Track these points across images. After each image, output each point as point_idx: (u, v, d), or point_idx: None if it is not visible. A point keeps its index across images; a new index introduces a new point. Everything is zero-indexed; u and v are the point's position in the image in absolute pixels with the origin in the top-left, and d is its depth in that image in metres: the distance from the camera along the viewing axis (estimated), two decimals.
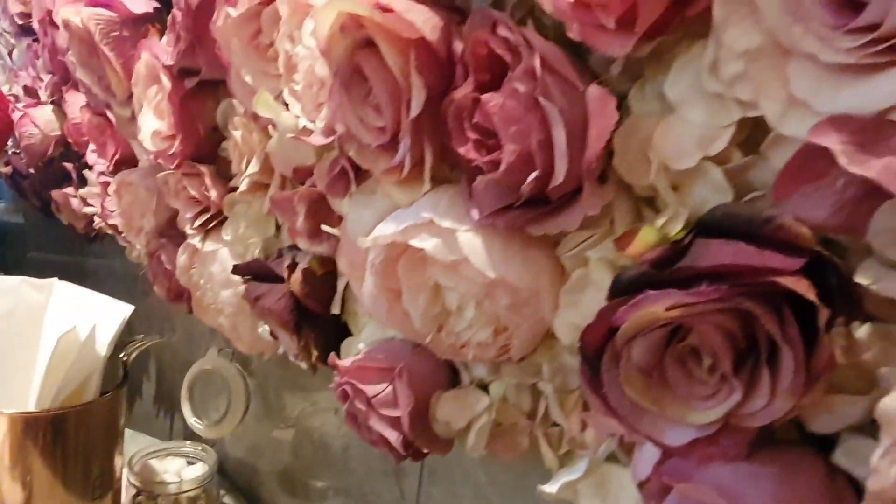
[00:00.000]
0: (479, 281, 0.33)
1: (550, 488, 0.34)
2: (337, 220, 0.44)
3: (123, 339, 0.56)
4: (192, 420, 0.79)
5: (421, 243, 0.33)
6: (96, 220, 0.82)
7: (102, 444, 0.57)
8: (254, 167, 0.51)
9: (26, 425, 0.51)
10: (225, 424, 0.77)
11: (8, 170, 1.05)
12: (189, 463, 0.69)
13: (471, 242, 0.32)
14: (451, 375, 0.41)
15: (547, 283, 0.33)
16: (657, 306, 0.24)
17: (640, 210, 0.32)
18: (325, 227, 0.43)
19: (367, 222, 0.39)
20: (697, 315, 0.24)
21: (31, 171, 0.97)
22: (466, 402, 0.39)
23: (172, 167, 0.57)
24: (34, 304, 0.53)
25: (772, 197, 0.25)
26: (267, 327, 0.57)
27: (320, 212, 0.44)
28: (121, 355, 0.56)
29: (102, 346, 0.53)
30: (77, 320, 0.52)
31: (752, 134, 0.28)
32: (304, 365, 0.55)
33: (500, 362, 0.38)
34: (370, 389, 0.40)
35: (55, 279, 0.55)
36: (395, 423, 0.39)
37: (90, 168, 0.82)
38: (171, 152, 0.56)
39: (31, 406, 0.51)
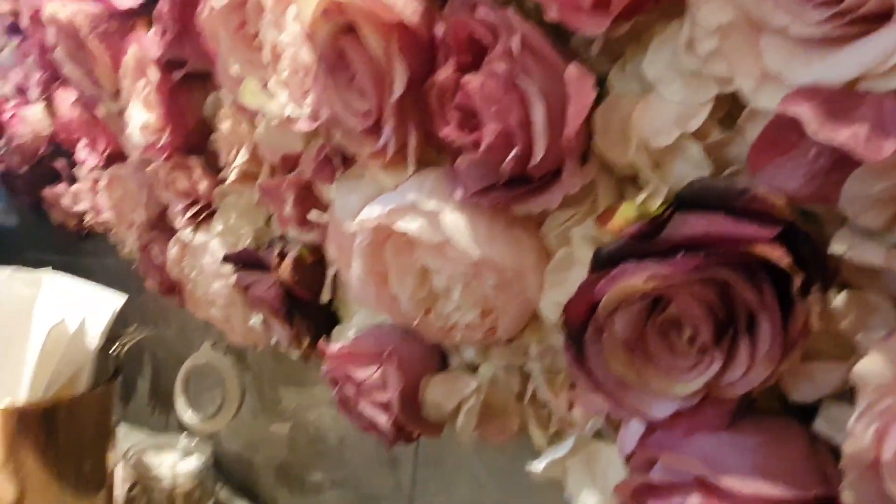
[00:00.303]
0: (464, 262, 0.34)
1: (538, 466, 0.34)
2: (325, 207, 0.44)
3: (116, 331, 0.56)
4: (186, 414, 0.79)
5: (406, 225, 0.34)
6: (87, 216, 0.82)
7: (94, 438, 0.57)
8: (242, 157, 0.51)
9: (17, 418, 0.51)
10: (219, 418, 0.78)
11: (0, 168, 1.05)
12: (184, 457, 0.70)
13: (455, 223, 0.33)
14: (439, 359, 0.42)
15: (532, 262, 0.34)
16: (636, 278, 0.25)
17: (623, 189, 0.32)
18: (312, 215, 0.43)
19: (354, 207, 0.39)
20: (675, 286, 0.25)
21: (23, 170, 0.97)
22: (455, 384, 0.40)
23: (162, 160, 0.58)
24: (24, 297, 0.53)
25: (747, 169, 0.26)
26: (259, 318, 0.57)
27: (308, 199, 0.44)
28: (112, 348, 0.56)
29: (93, 339, 0.53)
30: (67, 312, 0.52)
31: (731, 110, 0.28)
32: (295, 354, 0.55)
33: (489, 345, 0.39)
34: (359, 374, 0.40)
35: (46, 270, 0.55)
36: (384, 406, 0.40)
37: (80, 165, 0.82)
38: (160, 145, 0.56)
39: (21, 399, 0.51)
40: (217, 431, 0.77)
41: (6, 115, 0.94)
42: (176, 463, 0.68)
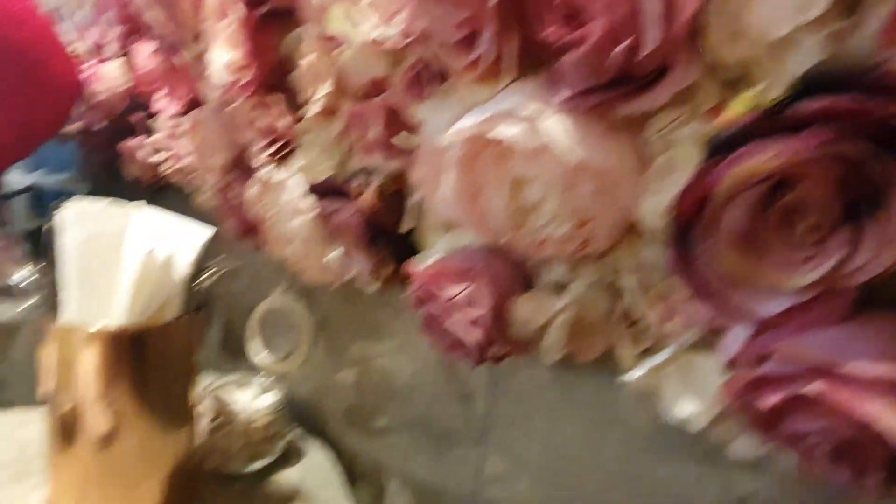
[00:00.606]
0: (561, 168, 0.33)
1: (633, 375, 0.34)
2: (412, 130, 0.44)
3: (202, 265, 0.58)
4: (259, 356, 0.81)
5: (503, 132, 0.34)
6: (164, 166, 0.85)
7: (181, 368, 0.59)
8: (325, 89, 0.52)
9: (111, 342, 0.53)
10: (291, 361, 0.80)
11: (79, 127, 1.09)
12: (261, 394, 0.72)
13: (553, 127, 0.32)
14: (526, 279, 0.42)
15: (631, 168, 0.33)
16: (758, 158, 0.24)
17: (729, 89, 0.31)
18: (399, 138, 0.44)
19: (445, 125, 0.40)
20: (802, 164, 0.24)
21: (101, 126, 1.00)
22: (544, 302, 0.40)
23: (243, 99, 0.59)
24: (117, 228, 0.55)
25: (878, 46, 0.25)
26: (336, 253, 0.58)
27: (396, 123, 0.44)
28: (198, 280, 0.58)
29: (183, 268, 0.55)
30: (158, 243, 0.54)
31: None
32: (373, 287, 0.56)
33: (579, 260, 0.38)
34: (448, 292, 0.41)
35: (139, 203, 0.57)
36: (473, 323, 0.40)
37: (157, 117, 0.85)
38: (243, 83, 0.58)
39: (114, 325, 0.53)
40: (288, 374, 0.79)
41: (85, 73, 0.98)
42: (253, 399, 0.71)
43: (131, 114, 0.94)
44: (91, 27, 1.03)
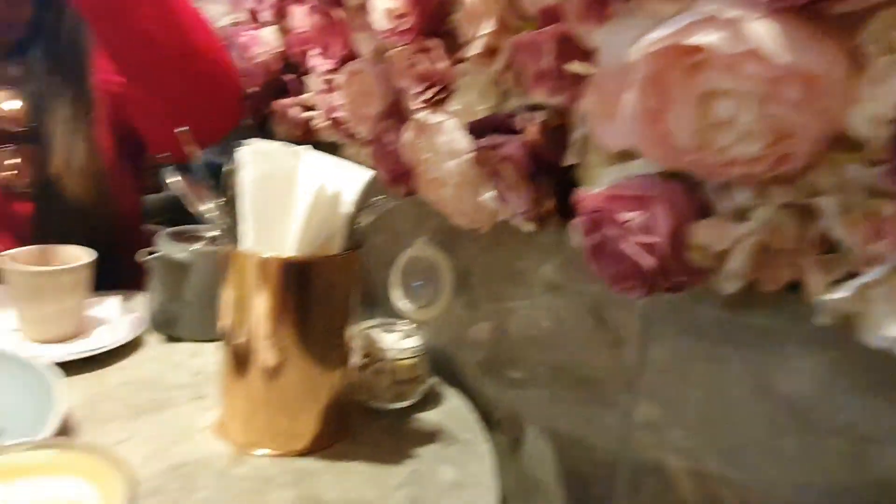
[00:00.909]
0: (764, 76, 0.32)
1: (836, 295, 0.33)
2: (585, 58, 0.44)
3: (363, 204, 0.60)
4: (401, 302, 0.85)
5: (702, 39, 0.33)
6: (315, 121, 0.90)
7: (342, 304, 0.62)
8: (487, 28, 0.52)
9: (281, 271, 0.57)
10: (432, 309, 0.82)
11: None
12: (406, 337, 0.75)
13: (761, 29, 0.31)
14: (705, 206, 0.41)
15: (843, 73, 0.31)
16: None
17: None
18: (573, 65, 0.44)
19: (625, 47, 0.39)
20: None
21: (256, 89, 1.07)
22: (726, 227, 0.38)
23: (404, 44, 0.61)
24: (288, 166, 0.59)
25: None
26: (490, 194, 0.59)
27: (567, 51, 0.44)
28: (358, 219, 0.61)
29: (347, 205, 0.58)
30: (326, 180, 0.57)
31: None
32: (528, 227, 0.57)
33: (769, 182, 0.37)
34: (624, 215, 0.40)
35: (305, 147, 0.60)
36: (650, 249, 0.40)
37: (310, 74, 0.89)
38: (402, 29, 0.60)
39: (287, 253, 0.57)
40: (427, 322, 0.82)
41: (241, 39, 1.05)
42: (399, 340, 0.74)
43: (284, 75, 1.00)
44: None
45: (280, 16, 0.97)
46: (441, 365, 0.84)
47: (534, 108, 0.52)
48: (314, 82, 0.89)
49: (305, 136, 0.97)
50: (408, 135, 0.65)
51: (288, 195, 0.59)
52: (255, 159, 0.59)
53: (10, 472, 0.36)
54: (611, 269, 0.43)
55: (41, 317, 0.74)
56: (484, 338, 0.80)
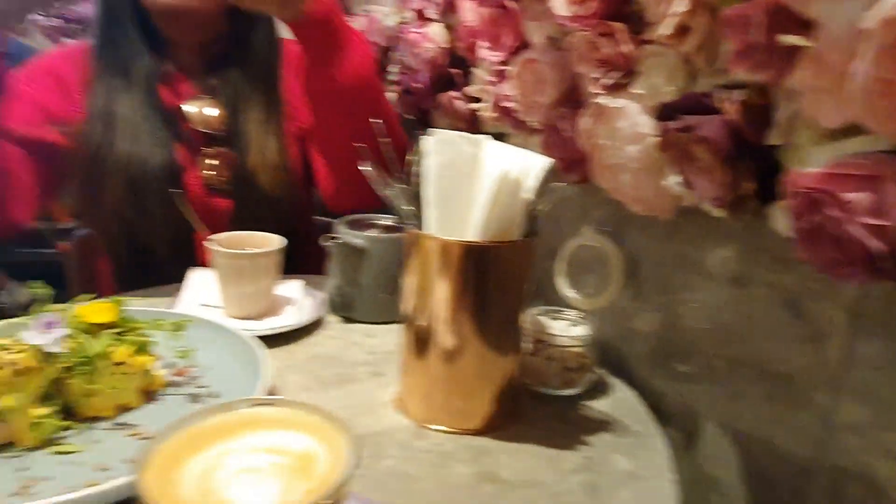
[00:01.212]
0: None
1: None
2: (798, 32, 0.41)
3: (541, 191, 0.61)
4: (567, 291, 0.84)
5: None
6: (482, 110, 0.92)
7: (517, 290, 0.64)
8: (681, 6, 0.51)
9: (463, 253, 0.59)
10: (600, 298, 0.82)
11: (398, 89, 1.23)
12: (574, 325, 0.75)
13: None
14: None
15: None
16: None
17: None
18: (787, 38, 0.41)
19: (853, 14, 0.36)
20: None
21: (419, 85, 1.12)
22: None
23: (587, 29, 0.60)
24: (470, 154, 0.61)
25: None
26: (676, 179, 0.57)
27: (779, 24, 0.42)
28: (536, 206, 0.62)
29: (527, 192, 0.59)
30: (509, 168, 0.59)
31: None
32: (719, 212, 0.55)
33: None
34: (848, 196, 0.37)
35: (485, 136, 0.62)
36: (879, 232, 0.37)
37: (479, 66, 0.91)
38: (586, 14, 0.59)
39: (467, 236, 0.59)
40: (594, 312, 0.81)
41: (409, 36, 1.09)
42: (567, 328, 0.74)
43: (450, 69, 1.03)
44: None
45: (448, 12, 1.00)
46: (607, 355, 0.83)
47: (730, 87, 0.50)
48: (481, 74, 0.91)
49: (470, 127, 1.00)
50: (585, 121, 0.64)
51: (470, 182, 0.60)
52: (438, 148, 0.62)
53: (242, 424, 0.41)
54: (826, 254, 0.40)
55: (241, 295, 0.82)
56: (653, 329, 0.78)
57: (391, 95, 1.26)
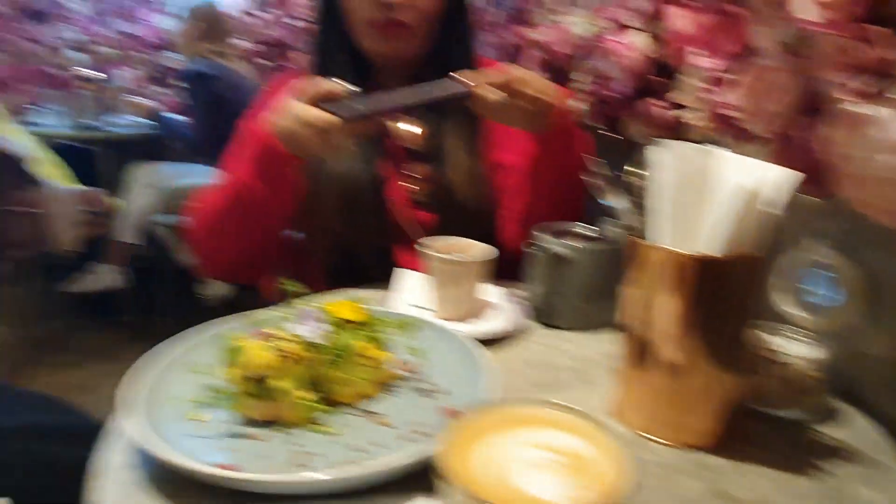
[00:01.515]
0: None
1: None
2: None
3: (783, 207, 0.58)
4: (792, 308, 0.80)
5: None
6: (689, 116, 0.90)
7: (747, 307, 0.61)
8: None
9: (698, 266, 0.58)
10: (831, 318, 0.76)
11: (588, 98, 1.24)
12: (806, 345, 0.71)
13: None
14: None
15: None
16: None
17: None
18: None
19: None
20: None
21: (616, 94, 1.11)
22: None
23: (842, 34, 0.57)
24: (704, 165, 0.60)
25: None
26: None
27: None
28: (776, 220, 0.59)
29: (772, 206, 0.57)
30: (748, 180, 0.57)
31: None
32: None
33: None
34: None
35: (710, 146, 0.61)
36: None
37: (688, 73, 0.89)
38: (842, 18, 0.56)
39: (701, 250, 0.58)
40: (822, 333, 0.76)
41: (608, 45, 1.09)
42: (790, 346, 0.70)
43: (651, 76, 1.02)
44: (606, 6, 1.15)
45: (653, 19, 0.99)
46: (837, 380, 0.77)
47: None
48: (691, 82, 0.88)
49: (672, 135, 0.98)
50: (831, 130, 0.61)
51: (706, 194, 0.60)
52: (670, 159, 0.61)
53: (516, 421, 0.44)
54: None
55: (454, 298, 0.87)
56: (893, 355, 0.72)
57: (579, 104, 1.27)
